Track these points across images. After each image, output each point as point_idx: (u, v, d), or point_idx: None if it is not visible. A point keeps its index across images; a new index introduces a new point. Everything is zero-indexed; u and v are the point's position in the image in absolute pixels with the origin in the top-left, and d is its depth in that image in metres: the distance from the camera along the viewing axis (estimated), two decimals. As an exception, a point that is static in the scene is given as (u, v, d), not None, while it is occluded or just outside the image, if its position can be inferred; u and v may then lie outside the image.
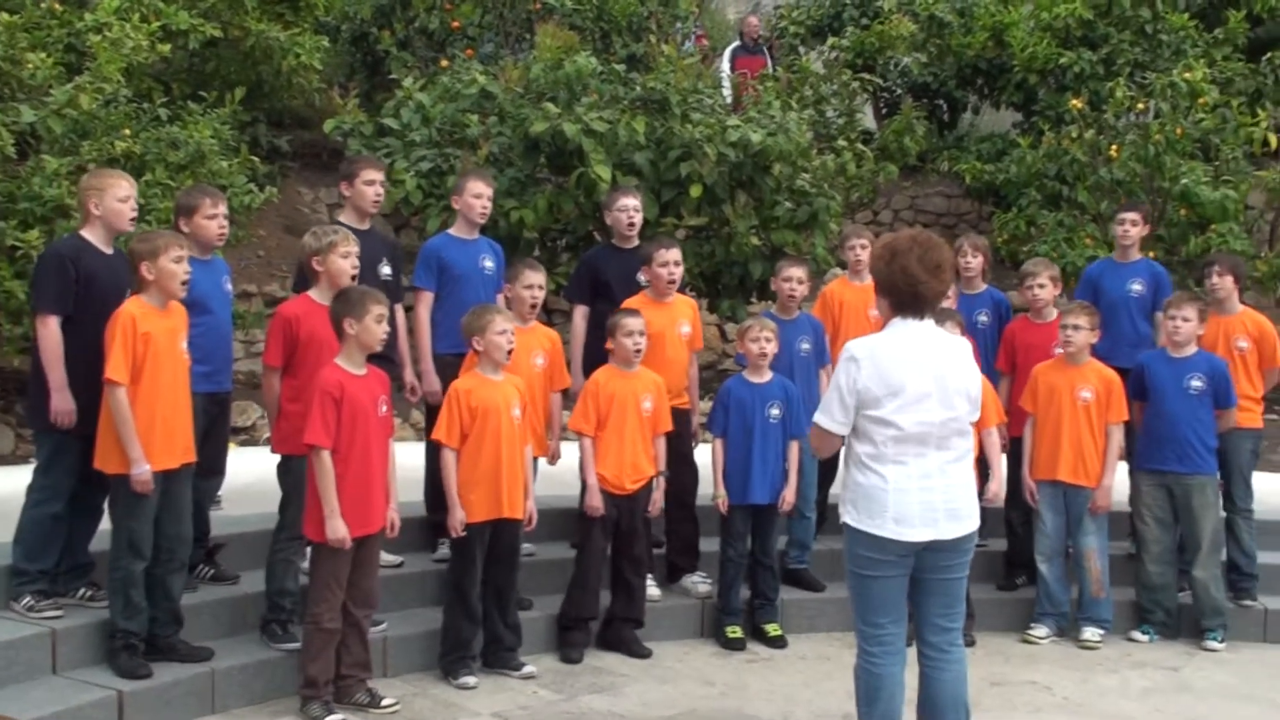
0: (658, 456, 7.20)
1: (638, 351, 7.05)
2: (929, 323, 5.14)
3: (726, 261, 10.67)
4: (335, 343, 6.04)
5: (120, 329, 5.72)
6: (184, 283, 5.92)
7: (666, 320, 7.55)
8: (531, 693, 6.55)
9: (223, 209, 6.57)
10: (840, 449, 5.31)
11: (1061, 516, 7.76)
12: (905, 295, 5.09)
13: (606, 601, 7.27)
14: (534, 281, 7.10)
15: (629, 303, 7.48)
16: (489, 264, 7.52)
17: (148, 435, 5.76)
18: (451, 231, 7.69)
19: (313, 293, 6.33)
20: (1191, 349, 7.76)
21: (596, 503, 6.98)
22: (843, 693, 6.32)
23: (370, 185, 7.08)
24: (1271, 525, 8.48)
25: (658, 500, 7.21)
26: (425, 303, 7.47)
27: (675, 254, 7.60)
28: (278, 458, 6.45)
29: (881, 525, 5.03)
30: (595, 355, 7.47)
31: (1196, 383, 7.66)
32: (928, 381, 5.02)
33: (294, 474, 6.25)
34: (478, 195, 7.54)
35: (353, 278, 6.31)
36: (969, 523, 5.12)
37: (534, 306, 7.14)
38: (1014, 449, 7.96)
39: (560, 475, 7.80)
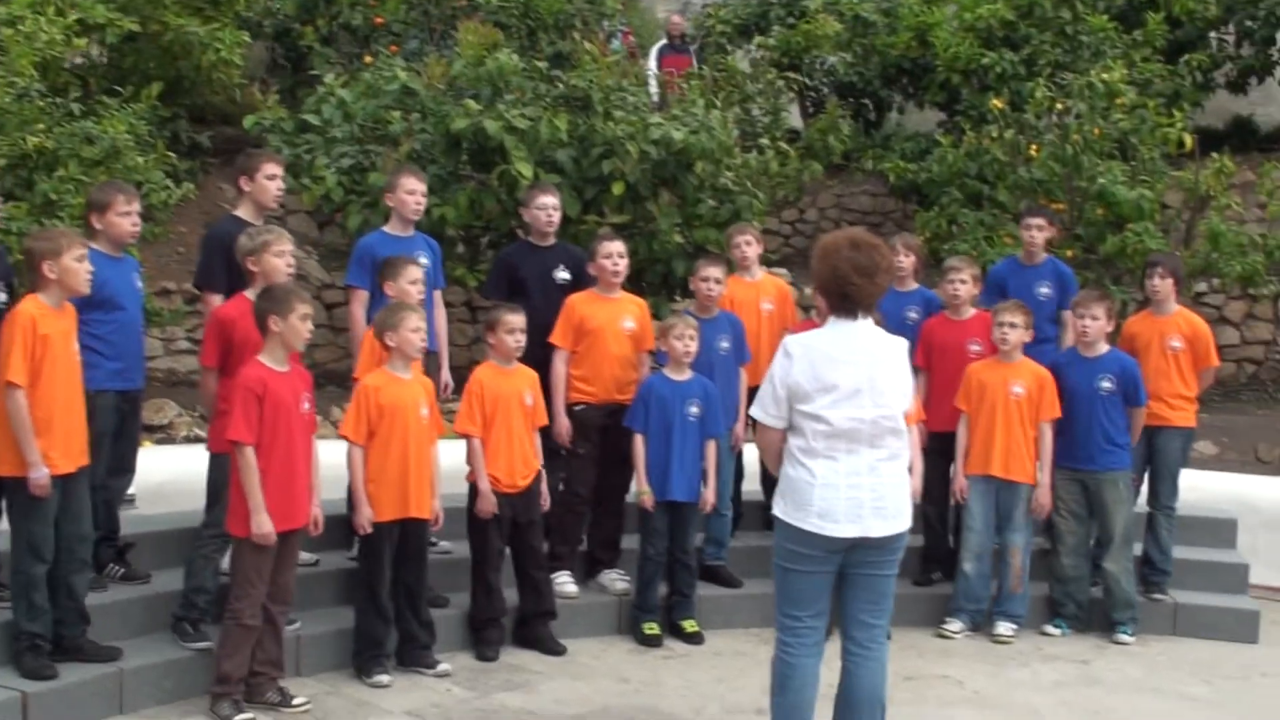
0: (536, 450, 7.20)
1: (518, 348, 7.04)
2: (867, 322, 5.19)
3: (649, 259, 10.67)
4: None
5: (20, 330, 5.63)
6: (86, 281, 5.86)
7: (609, 315, 7.58)
8: (445, 690, 6.54)
9: (136, 206, 6.50)
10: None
11: (991, 513, 7.84)
12: (835, 296, 5.15)
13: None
14: (416, 277, 7.03)
15: (575, 296, 7.53)
16: (424, 260, 7.48)
17: (45, 438, 5.67)
18: (386, 229, 7.65)
19: (249, 293, 6.29)
20: (1102, 348, 7.86)
21: (489, 507, 6.95)
22: (756, 688, 6.34)
23: (272, 180, 6.98)
24: (1181, 520, 8.56)
25: (545, 493, 7.21)
26: (359, 301, 7.42)
27: (618, 246, 7.65)
28: (204, 455, 6.44)
29: (805, 519, 5.06)
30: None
31: (1106, 384, 7.76)
32: (860, 378, 5.07)
33: (223, 472, 6.22)
34: (411, 191, 7.51)
35: (288, 276, 6.28)
36: (897, 522, 5.15)
37: (420, 303, 7.06)
38: (935, 445, 8.01)
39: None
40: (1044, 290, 8.43)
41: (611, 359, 7.58)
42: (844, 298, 5.12)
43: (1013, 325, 7.74)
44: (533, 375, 7.22)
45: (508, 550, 7.17)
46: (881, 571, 5.22)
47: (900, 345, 5.31)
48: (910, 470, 7.13)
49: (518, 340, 7.03)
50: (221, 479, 6.24)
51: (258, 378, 5.88)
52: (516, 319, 7.04)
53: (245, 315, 6.17)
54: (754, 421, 5.32)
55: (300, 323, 5.95)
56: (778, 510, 5.19)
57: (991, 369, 7.85)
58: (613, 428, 7.58)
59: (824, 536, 5.05)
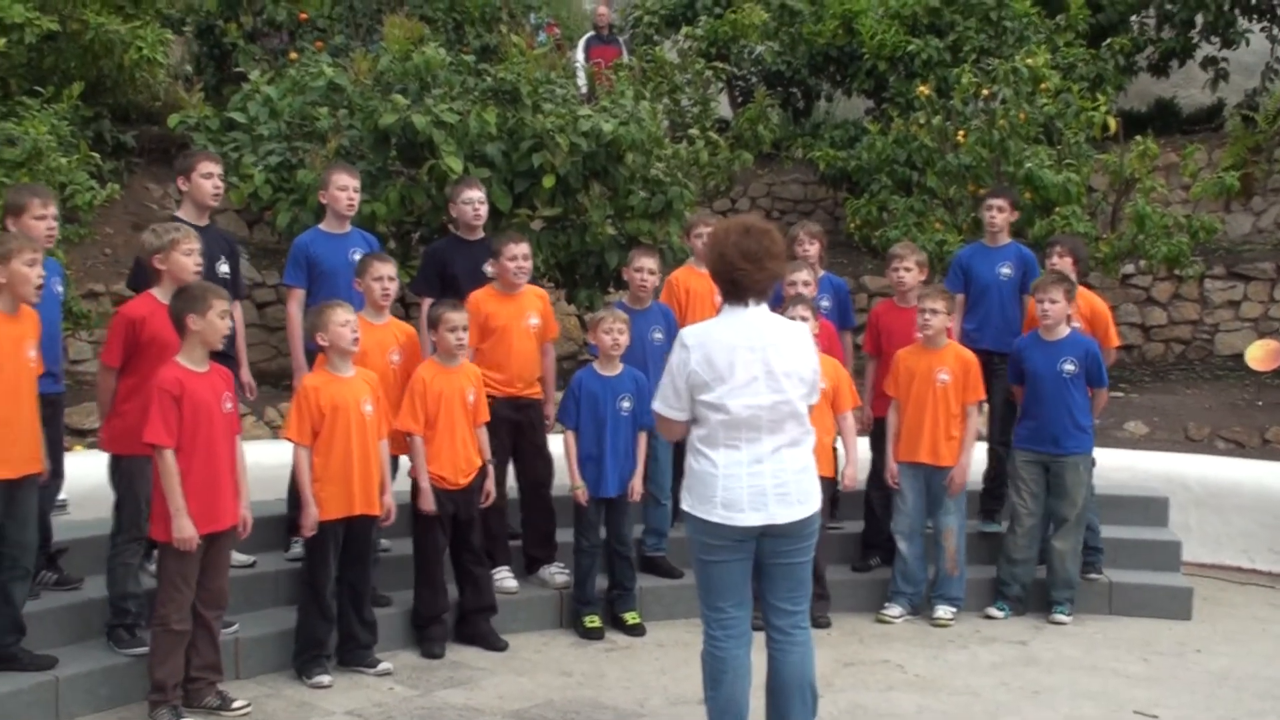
0: (481, 447, 7.18)
1: (459, 346, 7.00)
2: (761, 308, 5.18)
3: (582, 251, 10.66)
4: (177, 343, 5.94)
5: None
6: (37, 287, 5.80)
7: (513, 313, 7.53)
8: (387, 689, 6.50)
9: (52, 210, 6.41)
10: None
11: (922, 496, 7.88)
12: (725, 283, 5.18)
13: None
14: (383, 273, 7.01)
15: (476, 295, 7.45)
16: (359, 257, 7.43)
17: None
18: (322, 226, 7.67)
19: (156, 292, 6.22)
20: (1064, 330, 7.85)
21: (429, 506, 6.94)
22: (699, 678, 6.30)
23: (208, 178, 6.97)
24: (1114, 500, 8.70)
25: (489, 489, 7.18)
26: (296, 299, 7.42)
27: (524, 248, 7.57)
28: (109, 459, 6.30)
29: (711, 510, 5.07)
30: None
31: (1069, 366, 7.77)
32: (755, 366, 5.06)
33: (125, 474, 6.16)
34: (343, 188, 7.50)
35: (196, 274, 6.20)
36: (803, 507, 5.14)
37: (386, 297, 7.06)
38: (877, 430, 8.08)
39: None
40: (1005, 270, 8.43)
41: (516, 355, 7.53)
42: (733, 284, 5.13)
43: (934, 311, 7.74)
44: (476, 372, 7.19)
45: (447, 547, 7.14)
46: (796, 559, 5.23)
47: (800, 330, 5.32)
48: (846, 457, 7.29)
49: (459, 338, 6.98)
50: (125, 482, 6.19)
51: (174, 378, 5.79)
52: (458, 317, 6.99)
53: (154, 314, 6.10)
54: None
55: (219, 320, 5.88)
56: (685, 504, 5.20)
57: (917, 355, 7.88)
58: (524, 423, 7.58)
59: (730, 526, 5.06)
